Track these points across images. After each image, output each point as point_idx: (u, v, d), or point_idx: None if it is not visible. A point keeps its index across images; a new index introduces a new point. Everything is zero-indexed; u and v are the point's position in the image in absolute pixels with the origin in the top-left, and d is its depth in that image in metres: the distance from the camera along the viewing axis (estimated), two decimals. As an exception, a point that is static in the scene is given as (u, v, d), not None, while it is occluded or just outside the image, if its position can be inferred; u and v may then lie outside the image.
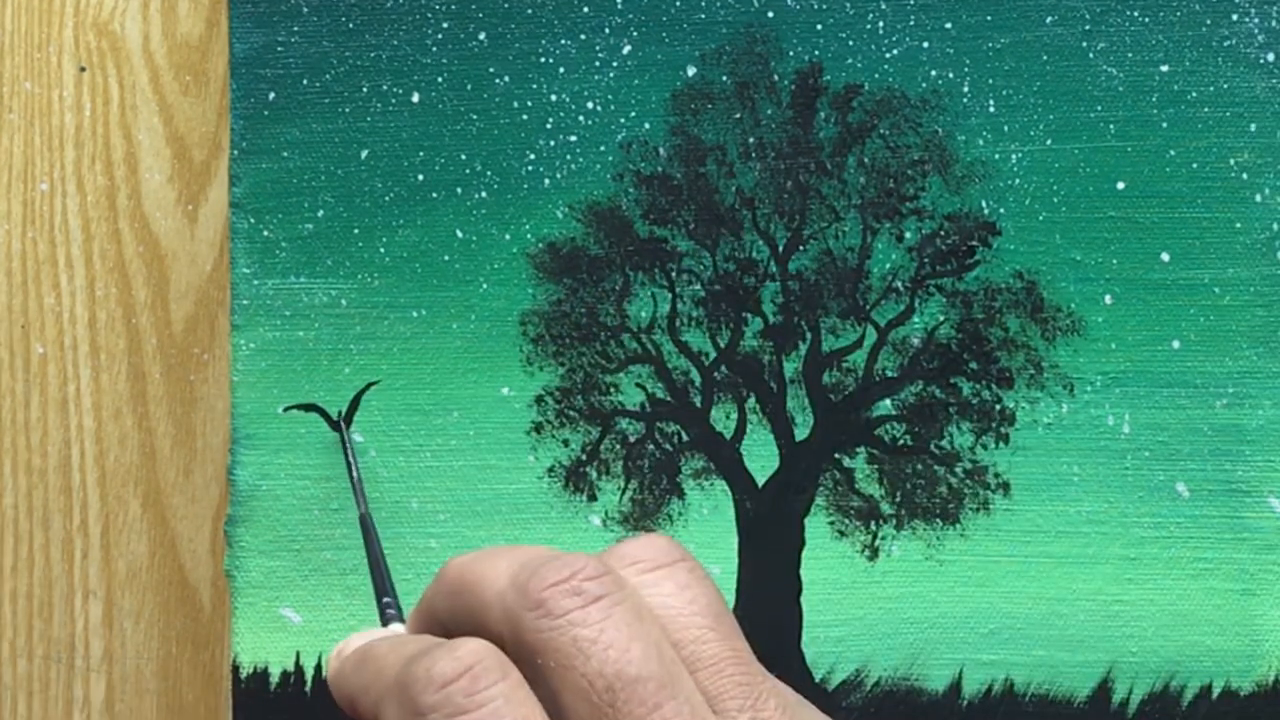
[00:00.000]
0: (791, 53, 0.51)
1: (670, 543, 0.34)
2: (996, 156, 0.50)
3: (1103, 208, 0.50)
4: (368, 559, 0.45)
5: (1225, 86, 0.50)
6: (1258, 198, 0.50)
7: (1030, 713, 0.50)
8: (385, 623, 0.41)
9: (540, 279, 0.51)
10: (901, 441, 0.51)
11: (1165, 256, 0.50)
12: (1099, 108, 0.50)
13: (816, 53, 0.51)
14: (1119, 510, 0.50)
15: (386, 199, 0.51)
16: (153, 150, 0.55)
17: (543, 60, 0.51)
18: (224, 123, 0.55)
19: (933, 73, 0.50)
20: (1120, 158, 0.50)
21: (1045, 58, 0.50)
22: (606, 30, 0.51)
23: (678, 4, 0.51)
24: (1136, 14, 0.50)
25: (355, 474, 0.49)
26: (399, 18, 0.51)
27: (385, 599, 0.42)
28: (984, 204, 0.50)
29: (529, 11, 0.51)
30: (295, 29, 0.51)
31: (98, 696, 0.54)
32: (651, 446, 0.51)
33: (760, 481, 0.51)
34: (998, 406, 0.50)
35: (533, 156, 0.51)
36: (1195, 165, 0.50)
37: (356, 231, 0.51)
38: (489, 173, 0.51)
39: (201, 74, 0.55)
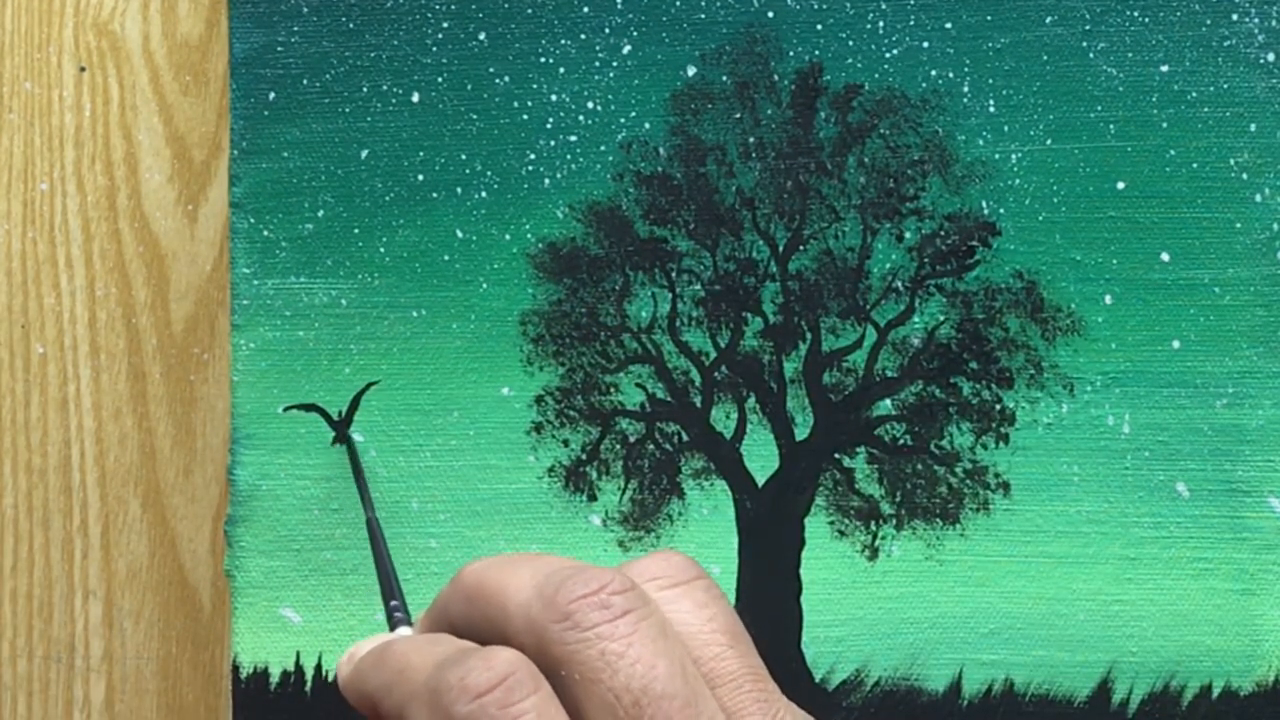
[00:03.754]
0: (791, 53, 0.51)
1: (686, 559, 0.34)
2: (996, 156, 0.50)
3: (1103, 208, 0.50)
4: (375, 563, 0.45)
5: (1225, 86, 0.50)
6: (1258, 198, 0.50)
7: (1030, 713, 0.50)
8: (393, 626, 0.41)
9: (540, 279, 0.51)
10: (901, 441, 0.51)
11: (1165, 256, 0.50)
12: (1099, 108, 0.50)
13: (816, 53, 0.51)
14: (1119, 510, 0.50)
15: (386, 199, 0.51)
16: (153, 150, 0.55)
17: (543, 60, 0.51)
18: (224, 123, 0.55)
19: (933, 73, 0.50)
20: (1120, 158, 0.50)
21: (1045, 58, 0.50)
22: (606, 30, 0.51)
23: (678, 4, 0.51)
24: (1136, 14, 0.50)
25: (361, 479, 0.49)
26: (399, 18, 0.51)
27: (393, 602, 0.42)
28: (984, 204, 0.50)
29: (529, 11, 0.51)
30: (295, 29, 0.51)
31: (98, 696, 0.54)
32: (651, 446, 0.51)
33: (760, 481, 0.51)
34: (998, 406, 0.50)
35: (533, 156, 0.51)
36: (1195, 165, 0.50)
37: (356, 231, 0.51)
38: (489, 173, 0.51)
39: (201, 74, 0.55)
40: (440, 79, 0.51)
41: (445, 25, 0.51)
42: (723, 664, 0.32)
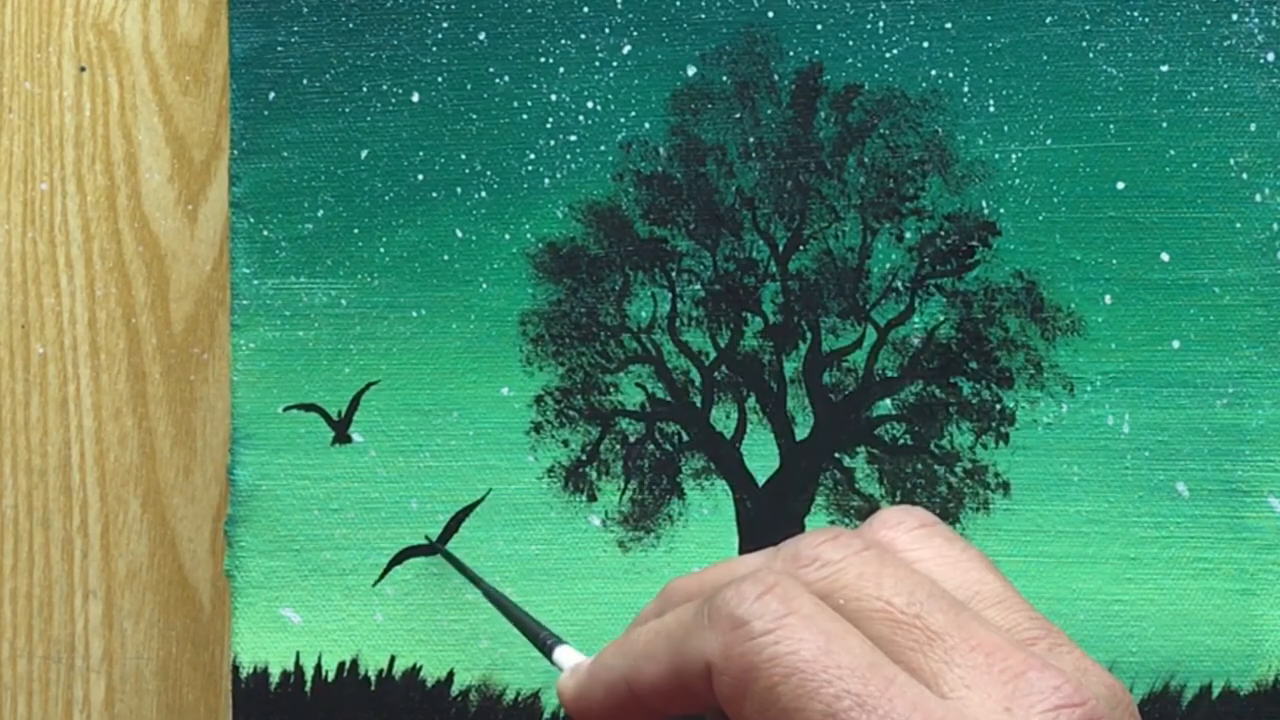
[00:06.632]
0: (791, 53, 0.51)
1: (921, 509, 0.36)
2: (996, 156, 0.50)
3: (1103, 208, 0.50)
4: (510, 620, 0.45)
5: (1225, 86, 0.50)
6: (1258, 198, 0.50)
7: (1030, 713, 0.50)
8: (551, 651, 0.40)
9: (540, 279, 0.51)
10: (901, 441, 0.50)
11: (1165, 256, 0.50)
12: (1099, 108, 0.50)
13: (816, 53, 0.51)
14: (1119, 510, 0.50)
15: (386, 199, 0.51)
16: (153, 150, 0.55)
17: (543, 60, 0.51)
18: (224, 123, 0.55)
19: (933, 73, 0.50)
20: (1120, 158, 0.50)
21: (1045, 58, 0.50)
22: (606, 30, 0.51)
23: (678, 4, 0.51)
24: (1136, 14, 0.50)
25: (470, 573, 0.49)
26: (399, 18, 0.51)
27: (541, 634, 0.42)
28: (984, 204, 0.50)
29: (529, 11, 0.51)
30: (295, 29, 0.51)
31: (98, 696, 0.54)
32: (651, 446, 0.51)
33: (760, 481, 0.51)
34: (998, 406, 0.50)
35: (533, 156, 0.51)
36: (1195, 165, 0.50)
37: (356, 231, 0.51)
38: (489, 173, 0.51)
39: (201, 74, 0.55)
40: (440, 79, 0.51)
41: (445, 25, 0.51)
42: (986, 587, 0.34)
